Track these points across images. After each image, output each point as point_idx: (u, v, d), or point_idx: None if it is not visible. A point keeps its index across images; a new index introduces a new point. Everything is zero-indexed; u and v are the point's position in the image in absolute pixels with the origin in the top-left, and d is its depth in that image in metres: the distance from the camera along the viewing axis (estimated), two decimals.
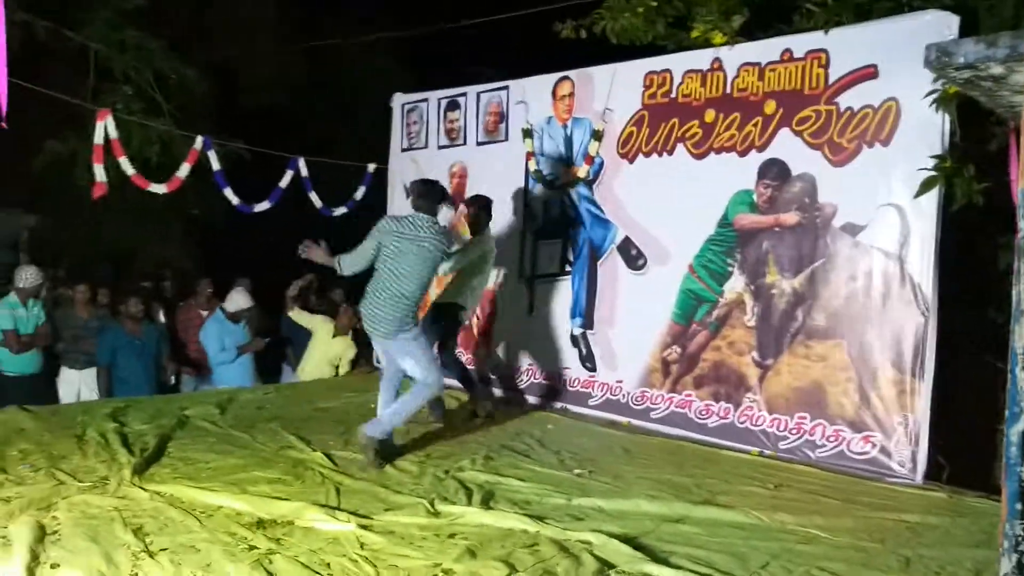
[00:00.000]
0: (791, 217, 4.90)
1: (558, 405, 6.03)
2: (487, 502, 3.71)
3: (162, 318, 7.15)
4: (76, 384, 6.47)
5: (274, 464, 4.22)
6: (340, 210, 7.60)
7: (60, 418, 4.99)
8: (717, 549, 3.21)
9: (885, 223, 4.49)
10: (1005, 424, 2.42)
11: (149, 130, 7.16)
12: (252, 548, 3.01)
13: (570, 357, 6.04)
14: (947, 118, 4.15)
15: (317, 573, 2.80)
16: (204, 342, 6.63)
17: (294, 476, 4.01)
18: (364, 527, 3.25)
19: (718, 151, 5.22)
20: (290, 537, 3.16)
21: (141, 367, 6.48)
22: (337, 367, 7.07)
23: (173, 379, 6.81)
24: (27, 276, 6.24)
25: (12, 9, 6.00)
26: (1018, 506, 2.37)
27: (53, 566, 2.78)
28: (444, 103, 7.07)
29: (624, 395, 5.68)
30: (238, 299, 6.62)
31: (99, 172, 5.99)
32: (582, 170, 5.94)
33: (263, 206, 7.01)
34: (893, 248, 4.46)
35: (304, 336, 7.13)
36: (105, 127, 6.03)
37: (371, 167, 7.72)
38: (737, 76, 5.12)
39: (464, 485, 3.96)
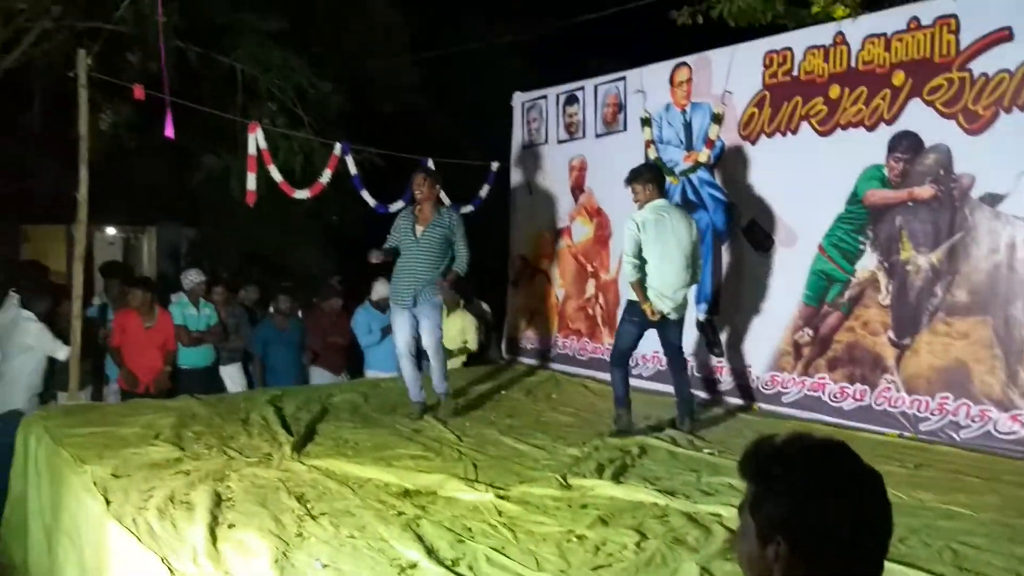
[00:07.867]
0: (925, 190, 4.74)
1: None
2: (617, 477, 3.84)
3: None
4: (224, 377, 7.00)
5: (414, 442, 4.51)
6: (466, 208, 7.90)
7: (226, 405, 5.48)
8: None
9: None
10: None
11: (292, 141, 7.71)
12: (401, 514, 3.27)
13: (696, 343, 6.05)
14: None
15: (460, 536, 3.02)
16: (355, 329, 7.10)
17: (434, 452, 4.29)
18: (501, 497, 3.46)
19: (844, 127, 5.11)
20: (434, 505, 3.41)
21: (289, 357, 7.05)
22: (465, 341, 7.41)
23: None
24: (189, 277, 6.88)
25: (169, 38, 6.61)
26: None
27: (230, 526, 3.12)
28: (563, 98, 7.23)
29: (754, 380, 5.64)
30: (380, 289, 7.08)
31: (251, 181, 6.52)
32: (703, 154, 5.93)
33: (398, 205, 7.40)
34: None
35: None
36: (256, 139, 6.55)
37: (494, 165, 7.99)
38: (862, 49, 4.99)
39: (595, 462, 4.10)
